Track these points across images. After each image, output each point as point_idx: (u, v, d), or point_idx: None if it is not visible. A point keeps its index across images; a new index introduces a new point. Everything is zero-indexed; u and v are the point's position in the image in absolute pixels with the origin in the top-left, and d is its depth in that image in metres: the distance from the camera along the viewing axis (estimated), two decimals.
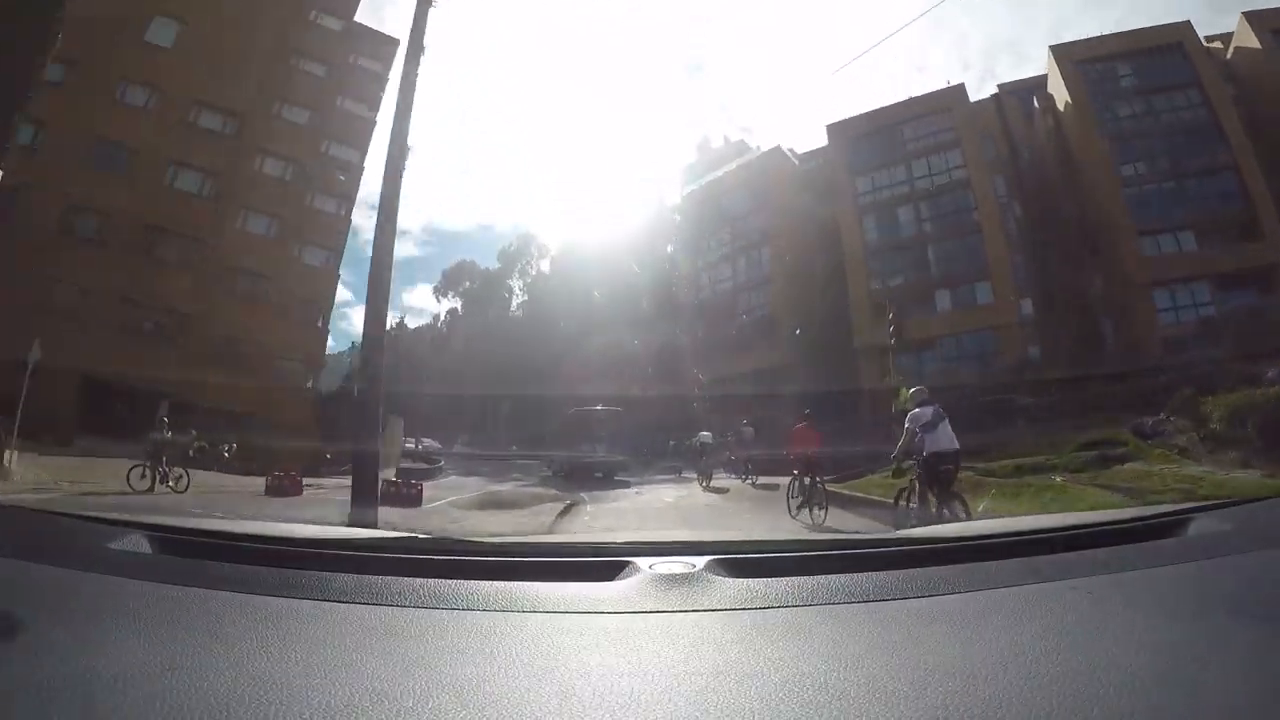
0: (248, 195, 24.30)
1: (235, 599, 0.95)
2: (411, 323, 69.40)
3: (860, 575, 1.04)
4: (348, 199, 27.34)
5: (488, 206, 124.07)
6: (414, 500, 10.27)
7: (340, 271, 26.78)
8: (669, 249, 44.83)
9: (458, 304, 60.27)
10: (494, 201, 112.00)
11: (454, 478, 22.51)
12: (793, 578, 1.02)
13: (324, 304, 25.52)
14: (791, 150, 41.09)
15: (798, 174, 38.87)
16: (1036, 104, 37.91)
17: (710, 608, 0.95)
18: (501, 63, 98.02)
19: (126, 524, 1.27)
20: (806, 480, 10.03)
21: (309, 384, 24.37)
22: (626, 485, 17.16)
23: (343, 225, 26.92)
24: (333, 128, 27.37)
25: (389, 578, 1.03)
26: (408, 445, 44.39)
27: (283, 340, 23.58)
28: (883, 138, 34.53)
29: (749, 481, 16.82)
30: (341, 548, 1.26)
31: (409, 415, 50.46)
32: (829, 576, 1.03)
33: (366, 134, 28.98)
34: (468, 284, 61.44)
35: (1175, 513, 1.34)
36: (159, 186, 22.60)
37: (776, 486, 15.22)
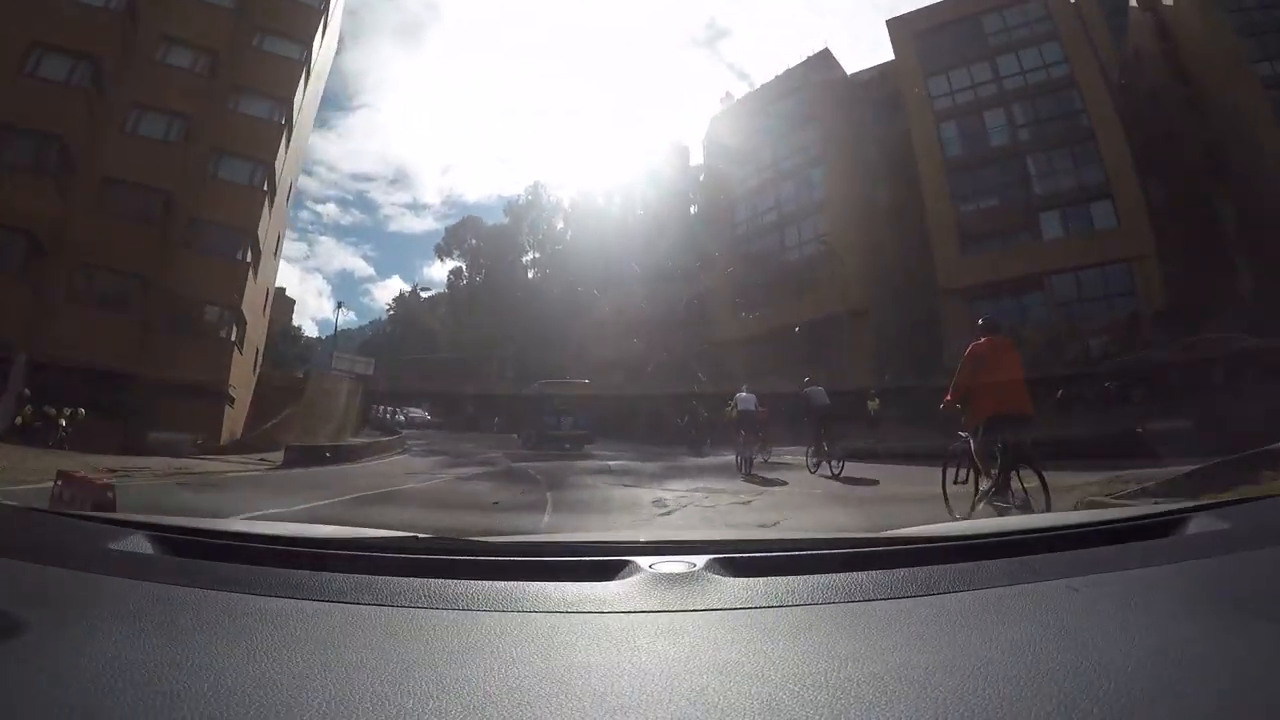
0: (138, 88, 18.54)
1: (235, 599, 0.93)
2: (427, 295, 64.84)
3: (860, 575, 1.02)
4: (284, 103, 21.49)
5: (508, 176, 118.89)
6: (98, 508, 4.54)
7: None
8: (692, 209, 38.77)
9: (463, 264, 55.43)
10: (514, 170, 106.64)
11: (402, 457, 17.02)
12: (792, 577, 1.01)
13: (247, 231, 19.78)
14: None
15: (850, 84, 31.85)
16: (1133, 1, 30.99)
17: (710, 607, 0.93)
18: (522, 25, 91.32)
19: (126, 524, 1.25)
20: (999, 452, 5.21)
21: (222, 334, 18.78)
22: (612, 475, 11.39)
23: (276, 134, 21.11)
24: (263, 14, 21.43)
25: (389, 578, 1.01)
26: (400, 415, 40.21)
27: (186, 277, 17.98)
28: (959, 30, 27.43)
29: (823, 472, 10.62)
30: (341, 547, 1.23)
31: (406, 384, 46.07)
32: (829, 576, 1.02)
33: (311, 24, 23.08)
34: (473, 241, 56.14)
35: (1173, 512, 1.32)
36: (9, 73, 16.91)
37: (874, 482, 9.27)
